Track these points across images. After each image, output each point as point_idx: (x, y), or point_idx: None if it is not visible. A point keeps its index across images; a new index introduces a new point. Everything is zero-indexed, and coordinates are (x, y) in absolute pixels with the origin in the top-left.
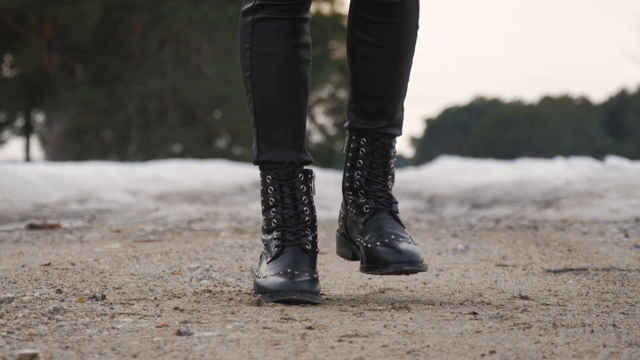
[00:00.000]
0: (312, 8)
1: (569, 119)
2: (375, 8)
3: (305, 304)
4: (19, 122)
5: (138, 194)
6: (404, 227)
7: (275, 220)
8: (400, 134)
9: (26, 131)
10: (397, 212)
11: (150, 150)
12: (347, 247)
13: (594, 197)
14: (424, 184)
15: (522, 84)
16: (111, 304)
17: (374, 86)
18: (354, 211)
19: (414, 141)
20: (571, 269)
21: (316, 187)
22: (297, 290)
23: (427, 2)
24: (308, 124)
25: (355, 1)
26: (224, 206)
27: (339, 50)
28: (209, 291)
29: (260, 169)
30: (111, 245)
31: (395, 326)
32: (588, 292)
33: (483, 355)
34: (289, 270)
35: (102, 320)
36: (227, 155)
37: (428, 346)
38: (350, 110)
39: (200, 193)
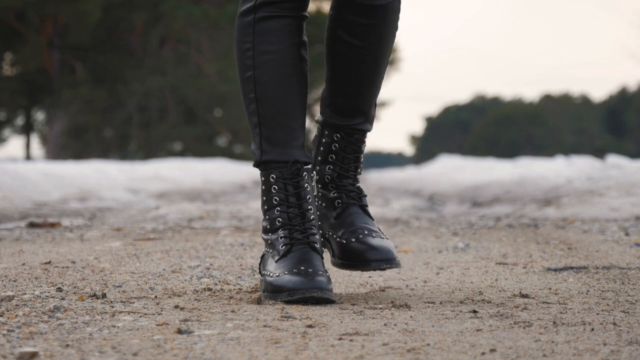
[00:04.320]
0: (312, 7)
1: (570, 117)
2: (359, 10)
3: (324, 303)
4: (20, 121)
5: (138, 192)
6: (374, 221)
7: (281, 219)
8: (371, 129)
9: (26, 129)
10: (367, 206)
11: (151, 148)
12: None
13: (594, 196)
14: (424, 182)
15: (522, 82)
16: (111, 302)
17: (352, 85)
18: (324, 204)
19: (415, 140)
20: (571, 268)
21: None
22: (316, 287)
23: (428, 0)
24: (308, 123)
25: (338, 2)
26: (225, 204)
27: None
28: (210, 289)
29: (262, 168)
30: (111, 243)
31: (395, 324)
32: (588, 291)
33: (483, 353)
34: (302, 268)
35: (102, 318)
36: (228, 153)
37: (428, 344)
38: (325, 106)
39: (200, 191)
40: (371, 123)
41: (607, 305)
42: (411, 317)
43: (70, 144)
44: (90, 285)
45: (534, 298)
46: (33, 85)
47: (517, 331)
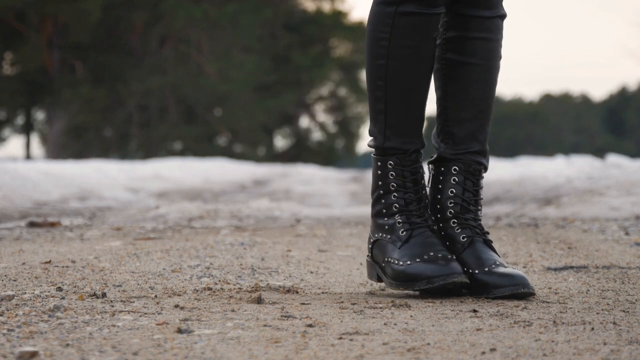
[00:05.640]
0: (312, 6)
1: (570, 116)
2: (467, 23)
3: (460, 288)
4: (20, 120)
5: (138, 192)
6: (499, 257)
7: (397, 205)
8: (487, 167)
9: (27, 129)
10: (492, 242)
11: (151, 148)
12: None
13: (594, 195)
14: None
15: (522, 81)
16: (111, 301)
17: (466, 108)
18: (447, 242)
19: None
20: (571, 267)
21: (322, 184)
22: (454, 273)
23: None
24: (308, 122)
25: (448, 23)
26: (225, 204)
27: (339, 48)
28: (210, 289)
29: (379, 154)
30: (111, 243)
31: (395, 324)
32: (588, 290)
33: (483, 352)
34: (431, 254)
35: (102, 318)
36: (228, 153)
37: (428, 344)
38: (440, 140)
39: (200, 191)
40: (487, 160)
41: (607, 304)
42: (411, 316)
43: (70, 144)
44: (90, 284)
45: (534, 297)
46: (33, 85)
47: (517, 330)
